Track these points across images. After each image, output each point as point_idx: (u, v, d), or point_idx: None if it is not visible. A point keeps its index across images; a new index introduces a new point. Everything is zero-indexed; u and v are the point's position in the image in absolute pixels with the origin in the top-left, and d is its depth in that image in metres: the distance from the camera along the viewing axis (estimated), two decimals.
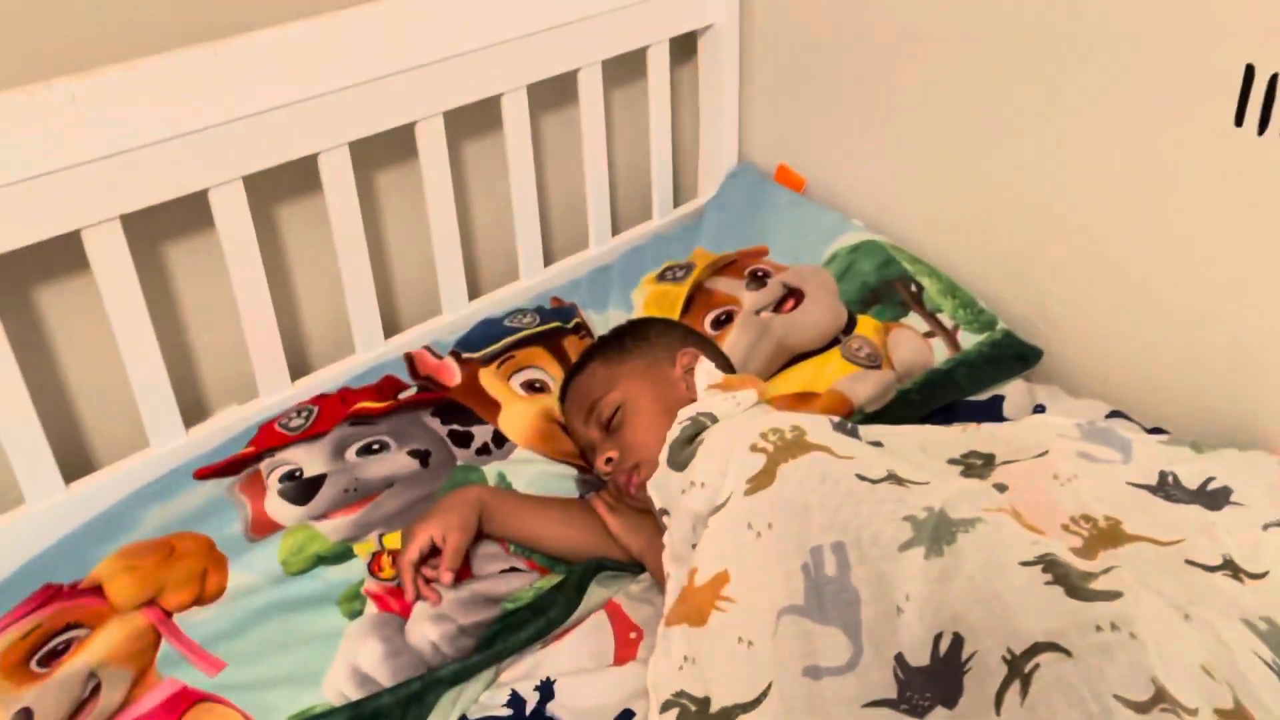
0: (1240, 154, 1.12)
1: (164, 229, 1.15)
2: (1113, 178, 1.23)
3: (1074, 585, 0.84)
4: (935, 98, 1.35)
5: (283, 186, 1.21)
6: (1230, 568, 0.97)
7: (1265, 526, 1.01)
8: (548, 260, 1.43)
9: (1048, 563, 0.86)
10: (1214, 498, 1.06)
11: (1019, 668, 0.79)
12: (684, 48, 1.52)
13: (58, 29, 1.03)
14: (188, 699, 0.85)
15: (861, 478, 0.95)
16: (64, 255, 1.03)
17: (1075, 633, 0.79)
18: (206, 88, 1.03)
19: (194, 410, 1.21)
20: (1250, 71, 1.09)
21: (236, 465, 1.07)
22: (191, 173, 1.04)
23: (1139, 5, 1.13)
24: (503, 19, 1.22)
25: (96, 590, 0.94)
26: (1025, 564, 0.86)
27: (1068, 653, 0.78)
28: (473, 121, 1.33)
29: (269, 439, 1.10)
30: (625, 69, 1.45)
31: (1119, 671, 0.76)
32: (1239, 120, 1.11)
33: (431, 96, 1.20)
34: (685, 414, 1.02)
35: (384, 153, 1.27)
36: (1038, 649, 0.79)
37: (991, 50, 1.27)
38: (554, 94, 1.40)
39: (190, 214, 1.10)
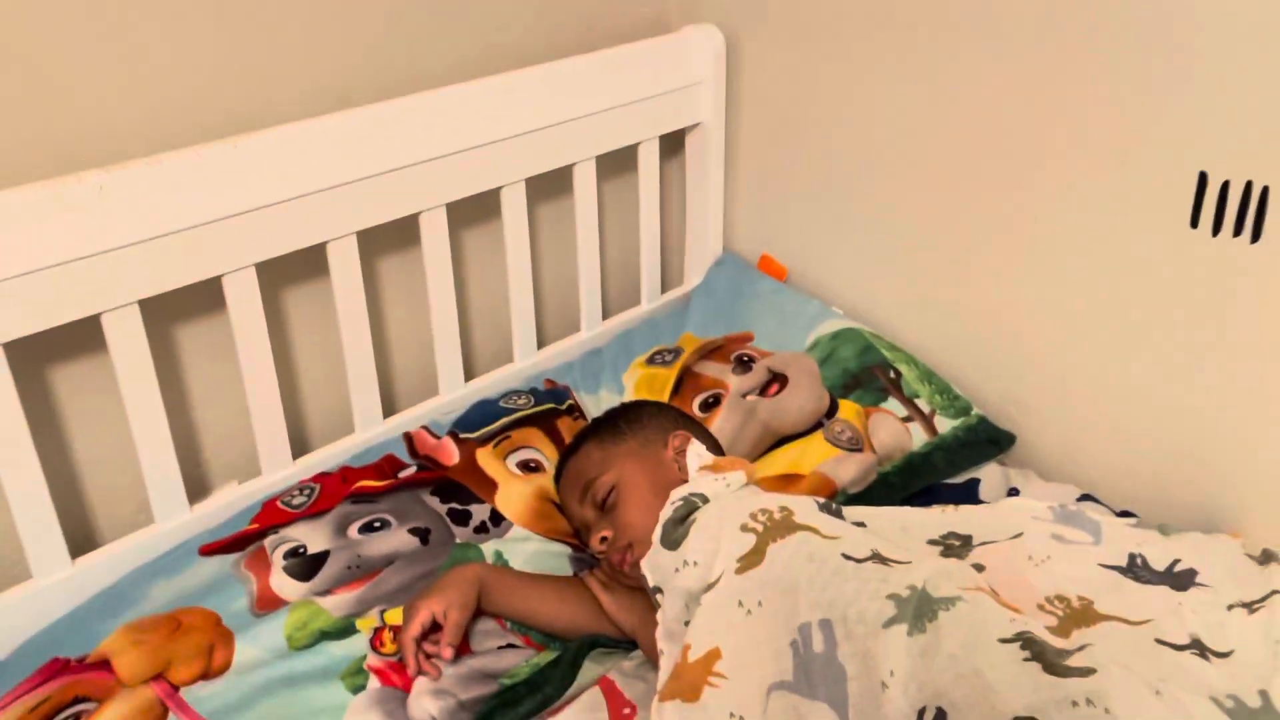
0: (1197, 254, 1.20)
1: (175, 311, 1.19)
2: (1081, 274, 1.30)
3: (1050, 662, 0.88)
4: (913, 193, 1.43)
5: (290, 271, 1.26)
6: (1197, 647, 1.02)
7: (1229, 607, 1.06)
8: (541, 343, 1.48)
9: (1025, 640, 0.91)
10: (1180, 579, 1.11)
11: None
12: (673, 144, 1.60)
13: (87, 123, 1.09)
14: None
15: (847, 557, 0.99)
16: (78, 336, 1.07)
17: (1053, 708, 0.83)
18: (224, 180, 1.08)
19: (197, 487, 1.24)
20: (1204, 178, 1.17)
21: (241, 542, 1.10)
22: (208, 260, 1.09)
23: (1100, 117, 1.22)
24: (504, 118, 1.29)
25: (104, 664, 0.96)
26: (1004, 641, 0.91)
27: None
28: (473, 211, 1.39)
29: (272, 516, 1.13)
30: (617, 163, 1.53)
31: None
32: (1194, 222, 1.19)
33: (435, 189, 1.26)
34: (678, 494, 1.06)
35: (388, 240, 1.33)
36: None
37: (966, 150, 1.35)
38: (550, 185, 1.47)
39: (200, 297, 1.14)
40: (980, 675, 0.88)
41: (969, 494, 1.30)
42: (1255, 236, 1.15)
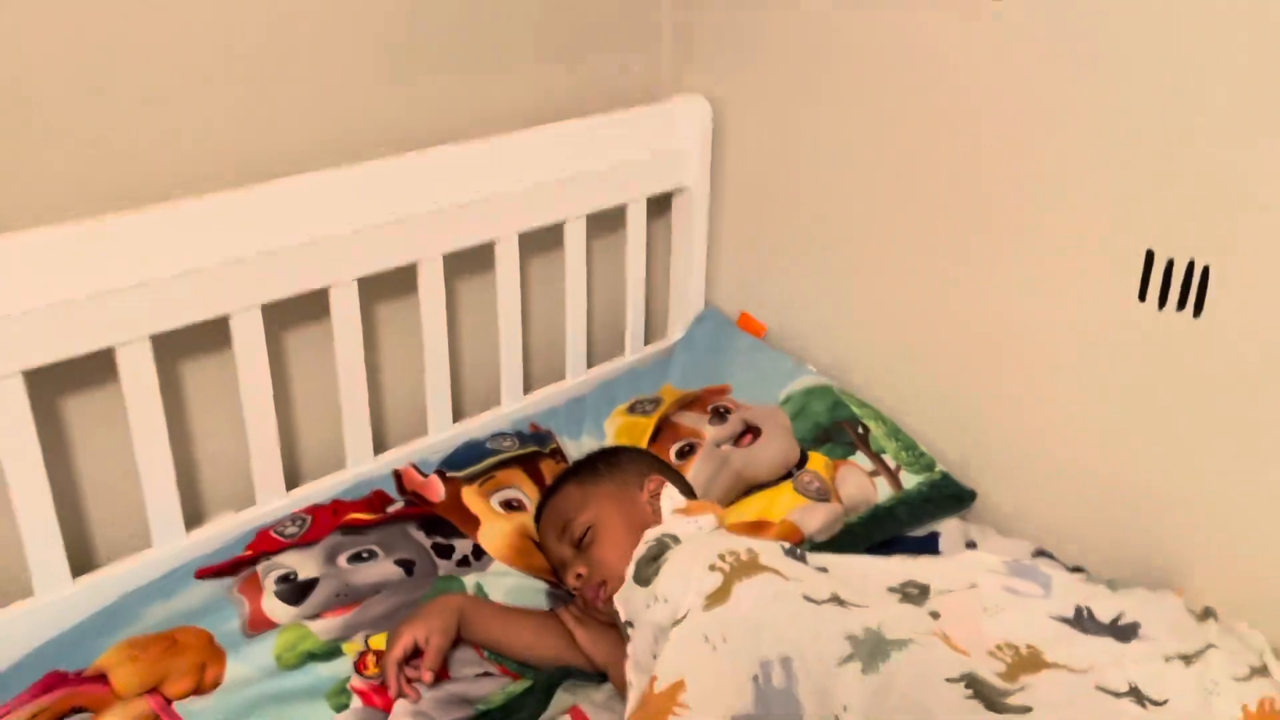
0: (1144, 327, 1.28)
1: (180, 347, 1.26)
2: (1037, 343, 1.38)
3: (992, 700, 0.94)
4: (886, 261, 1.51)
5: (292, 313, 1.33)
6: (1135, 694, 1.08)
7: (1167, 659, 1.13)
8: (527, 388, 1.55)
9: (970, 679, 0.97)
10: (1124, 632, 1.17)
11: None
12: (659, 205, 1.69)
13: (111, 172, 1.17)
14: None
15: (808, 598, 1.06)
16: (87, 367, 1.14)
17: None
18: (236, 226, 1.16)
19: (192, 515, 1.29)
20: (1150, 255, 1.26)
21: (235, 567, 1.15)
22: (217, 299, 1.16)
23: (1057, 198, 1.31)
24: (501, 176, 1.38)
25: (101, 678, 1.01)
26: (951, 680, 0.97)
27: None
28: (468, 262, 1.47)
29: (266, 544, 1.19)
30: (606, 221, 1.61)
31: None
32: (1142, 296, 1.28)
33: (434, 240, 1.34)
34: (651, 535, 1.12)
35: (386, 286, 1.40)
36: None
37: (935, 222, 1.44)
38: (542, 240, 1.55)
39: (205, 335, 1.21)
40: (928, 711, 0.95)
41: (929, 546, 1.37)
42: (1197, 311, 1.24)
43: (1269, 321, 1.19)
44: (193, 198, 1.13)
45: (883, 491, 1.41)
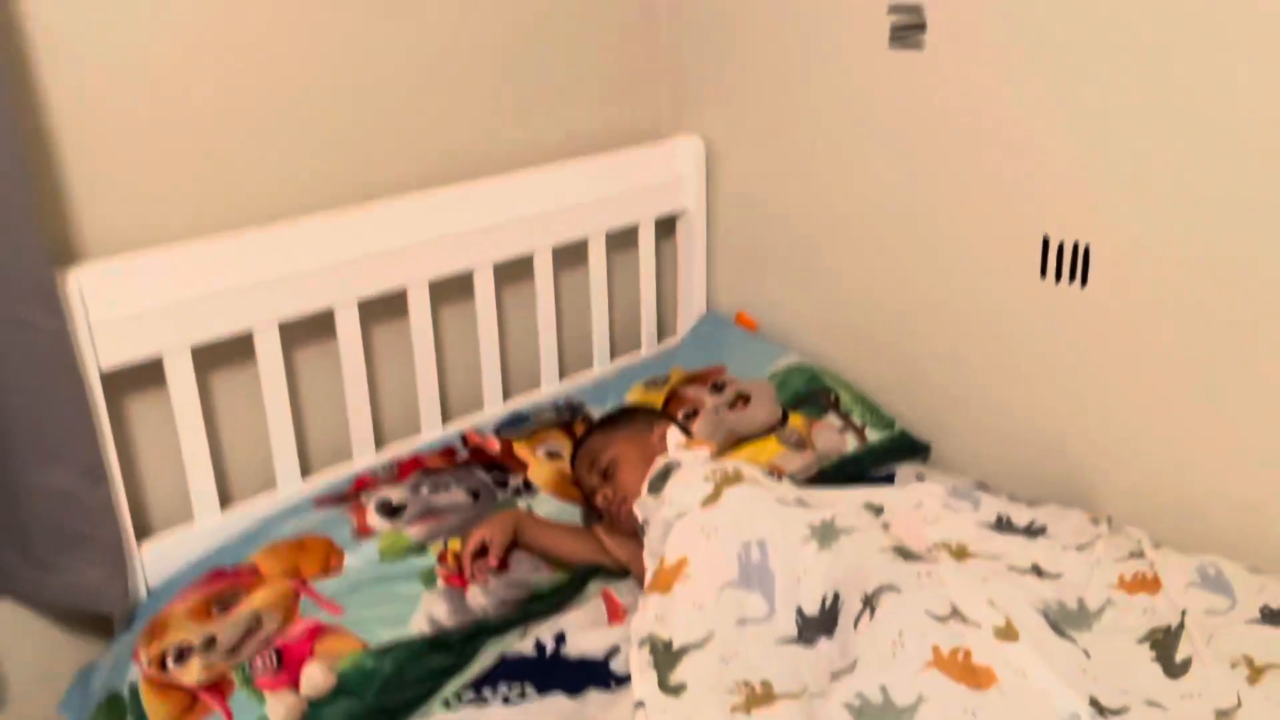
0: (1046, 298, 1.62)
1: (293, 341, 1.62)
2: (970, 319, 1.73)
3: (909, 555, 1.27)
4: (849, 264, 1.87)
5: (366, 315, 1.69)
6: (1035, 570, 1.40)
7: (1064, 548, 1.45)
8: (562, 375, 1.91)
9: (895, 548, 1.30)
10: (1033, 533, 1.50)
11: (869, 601, 1.22)
12: (666, 226, 2.05)
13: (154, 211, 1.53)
14: (321, 629, 1.27)
15: (779, 500, 1.40)
16: (231, 351, 1.50)
17: (904, 578, 1.22)
18: (260, 256, 1.46)
19: (303, 467, 1.65)
20: (1046, 240, 1.60)
21: (344, 498, 1.51)
22: (321, 296, 1.53)
23: (972, 205, 1.67)
24: (537, 201, 1.75)
25: (252, 570, 1.36)
26: (881, 549, 1.30)
27: (899, 589, 1.21)
28: (511, 273, 1.83)
29: (365, 484, 1.54)
30: (623, 241, 1.98)
31: (929, 597, 1.19)
32: (1043, 274, 1.62)
33: (486, 252, 1.71)
34: (660, 461, 1.47)
35: (449, 291, 1.77)
36: (881, 589, 1.22)
37: (894, 232, 1.80)
38: (568, 257, 1.91)
39: (313, 331, 1.58)
40: (862, 568, 1.28)
41: (887, 481, 1.70)
42: (1084, 283, 1.58)
43: (1138, 287, 1.53)
44: (224, 235, 1.44)
45: (850, 444, 1.74)
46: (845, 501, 1.52)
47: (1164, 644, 1.28)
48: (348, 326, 1.58)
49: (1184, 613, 1.31)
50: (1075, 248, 1.57)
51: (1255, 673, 1.22)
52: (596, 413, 1.78)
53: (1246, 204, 1.40)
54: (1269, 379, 1.44)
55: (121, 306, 1.34)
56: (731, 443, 1.70)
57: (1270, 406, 1.45)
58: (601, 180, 1.84)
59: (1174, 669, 1.25)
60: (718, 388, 1.82)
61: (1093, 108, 1.50)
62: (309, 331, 1.60)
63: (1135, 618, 1.33)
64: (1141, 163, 1.48)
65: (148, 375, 1.43)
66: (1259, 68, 1.35)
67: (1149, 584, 1.38)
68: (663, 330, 2.11)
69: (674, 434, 1.54)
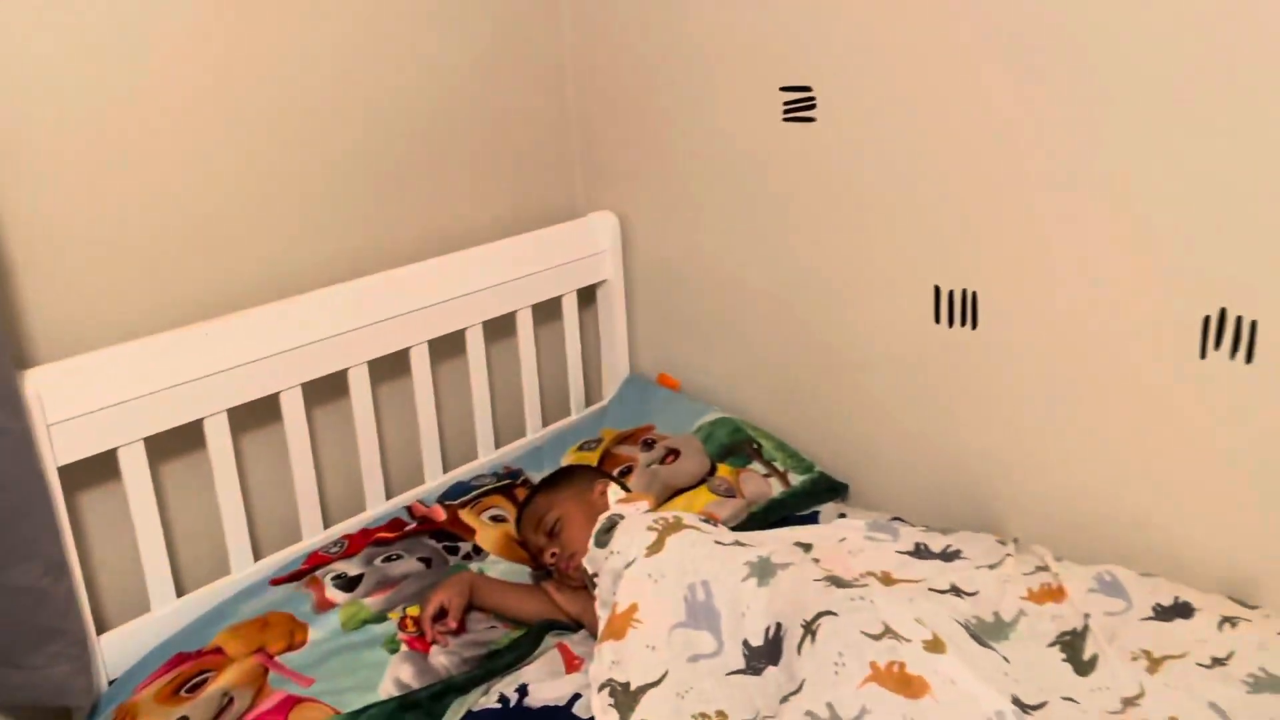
0: (942, 340, 1.78)
1: (238, 428, 1.67)
2: (876, 367, 1.87)
3: (842, 584, 1.39)
4: (761, 323, 2.01)
5: (305, 398, 1.75)
6: (954, 590, 1.53)
7: (977, 568, 1.59)
8: (498, 444, 1.99)
9: (828, 578, 1.41)
10: (949, 557, 1.63)
11: (809, 627, 1.32)
12: (589, 295, 2.17)
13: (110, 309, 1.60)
14: (293, 701, 1.31)
15: (718, 542, 1.50)
16: (180, 440, 1.55)
17: (839, 603, 1.33)
18: (206, 349, 1.52)
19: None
20: (937, 289, 1.77)
21: (299, 576, 1.55)
22: (197, 405, 1.56)
23: (869, 258, 1.82)
24: (466, 280, 1.85)
25: (217, 651, 1.40)
26: (816, 580, 1.41)
27: (835, 614, 1.32)
28: (445, 349, 1.92)
29: (318, 560, 1.59)
30: (549, 312, 2.08)
31: (863, 619, 1.30)
32: (937, 319, 1.78)
33: (421, 331, 1.79)
34: (604, 516, 1.56)
35: (386, 370, 1.84)
36: (819, 615, 1.32)
37: (797, 294, 1.94)
38: (499, 330, 2.01)
39: (254, 417, 1.64)
40: (800, 600, 1.38)
41: (811, 520, 1.82)
42: (975, 325, 1.75)
43: (1024, 328, 1.69)
44: (175, 330, 1.50)
45: (776, 489, 1.86)
46: (777, 540, 1.64)
47: (1072, 645, 1.41)
48: (293, 410, 1.64)
49: (1087, 616, 1.45)
50: (965, 295, 1.74)
51: (1154, 663, 1.37)
52: (535, 477, 1.86)
53: (1107, 247, 1.58)
54: (1145, 409, 1.61)
55: (76, 405, 1.39)
56: (667, 495, 1.80)
57: (1149, 433, 1.62)
58: (525, 258, 1.95)
59: (1083, 666, 1.38)
60: (648, 445, 1.92)
61: (973, 167, 1.67)
62: (254, 416, 1.66)
63: (1046, 624, 1.46)
64: (1017, 215, 1.65)
65: (94, 469, 1.47)
66: (1114, 122, 1.54)
67: (1055, 594, 1.52)
68: (590, 395, 2.21)
69: (615, 490, 1.64)
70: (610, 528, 1.53)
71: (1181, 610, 1.46)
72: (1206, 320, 1.51)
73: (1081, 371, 1.65)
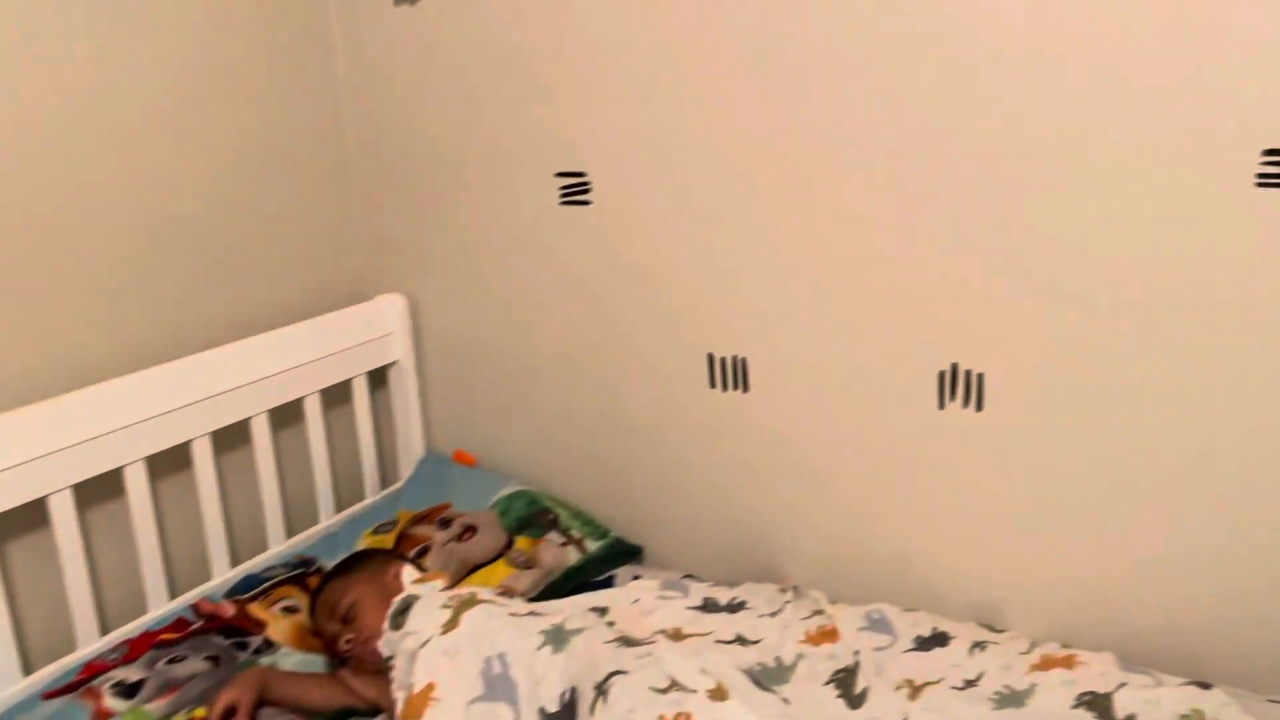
0: (715, 404, 1.90)
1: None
2: (661, 430, 1.97)
3: (631, 642, 1.45)
4: (555, 395, 2.07)
5: (92, 492, 1.69)
6: (740, 640, 1.62)
7: (760, 617, 1.68)
8: (291, 532, 1.96)
9: (619, 639, 1.47)
10: (734, 609, 1.73)
11: (601, 688, 1.37)
12: (380, 377, 2.18)
13: None
14: None
15: (513, 614, 1.53)
16: None
17: (628, 662, 1.39)
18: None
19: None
20: (711, 356, 1.89)
21: (74, 687, 1.48)
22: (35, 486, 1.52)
23: (647, 328, 1.93)
24: (248, 367, 1.83)
25: None
26: (607, 642, 1.47)
27: (625, 673, 1.38)
28: (231, 439, 1.88)
29: (95, 669, 1.52)
30: (340, 395, 2.08)
31: (651, 675, 1.36)
32: (711, 384, 1.90)
33: (203, 423, 1.76)
34: (398, 598, 1.57)
35: (166, 465, 1.79)
36: (610, 675, 1.38)
37: (580, 361, 2.02)
38: (288, 416, 1.98)
39: (22, 520, 1.56)
40: (592, 662, 1.43)
41: (607, 584, 1.88)
42: (746, 389, 1.87)
43: (792, 388, 1.83)
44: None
45: (573, 557, 1.91)
46: (573, 606, 1.68)
47: (845, 681, 1.52)
48: (63, 513, 1.57)
49: (857, 653, 1.57)
50: (736, 361, 1.86)
51: (914, 691, 1.49)
52: (329, 564, 1.84)
53: (855, 314, 1.74)
54: (898, 456, 1.77)
55: None
56: (464, 572, 1.83)
57: (903, 478, 1.77)
58: (313, 343, 1.95)
59: (855, 700, 1.49)
60: (445, 523, 1.94)
61: (737, 244, 1.81)
62: (20, 522, 1.58)
63: (822, 664, 1.57)
64: (777, 286, 1.79)
65: None
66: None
67: (829, 635, 1.63)
68: (387, 476, 2.21)
69: (409, 571, 1.64)
70: (405, 609, 1.54)
71: (939, 640, 1.60)
72: (942, 375, 1.68)
73: (842, 426, 1.80)
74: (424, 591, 1.58)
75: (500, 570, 1.83)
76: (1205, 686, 1.44)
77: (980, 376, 1.66)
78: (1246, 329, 1.46)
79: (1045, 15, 1.47)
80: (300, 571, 1.80)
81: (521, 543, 1.91)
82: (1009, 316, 1.61)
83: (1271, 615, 1.55)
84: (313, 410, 1.98)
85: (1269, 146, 1.38)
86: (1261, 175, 1.39)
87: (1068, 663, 1.51)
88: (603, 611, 1.71)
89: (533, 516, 1.98)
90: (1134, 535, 1.61)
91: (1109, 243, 1.52)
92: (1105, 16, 1.44)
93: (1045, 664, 1.51)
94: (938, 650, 1.58)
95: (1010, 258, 1.59)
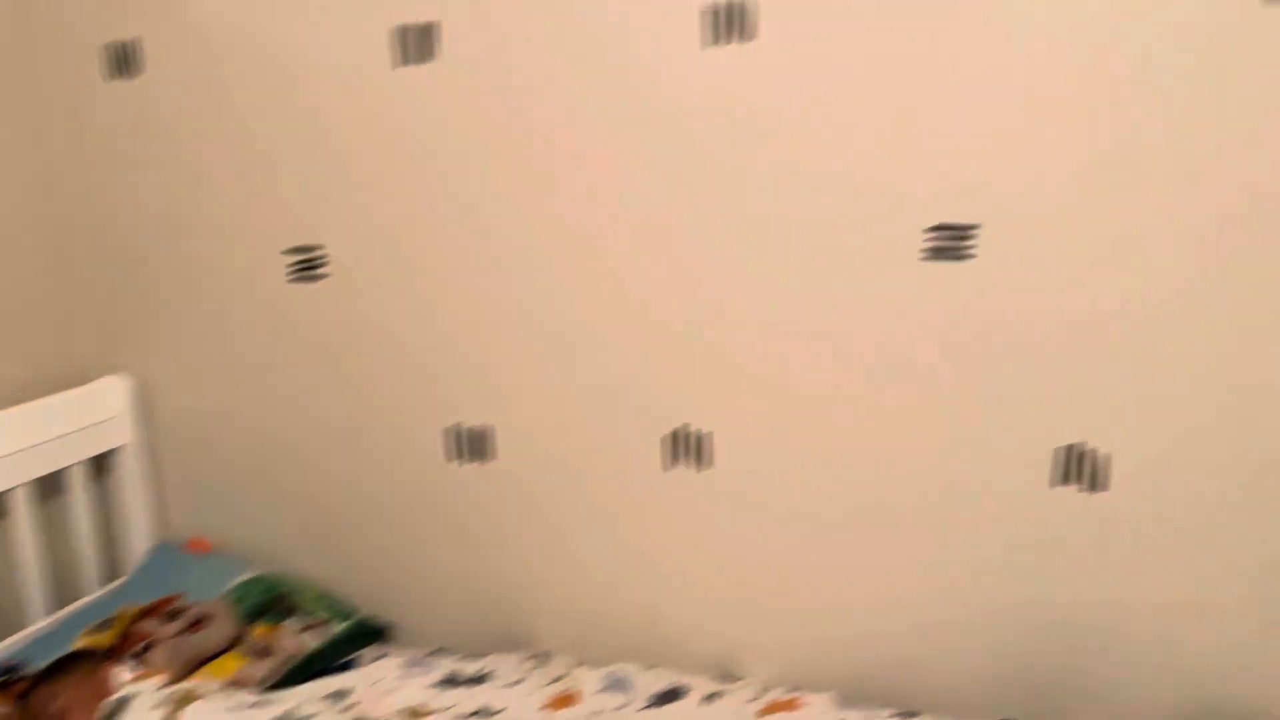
0: (460, 477, 1.90)
1: None
2: (404, 505, 1.95)
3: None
4: (298, 475, 2.01)
5: None
6: (483, 712, 1.62)
7: (504, 686, 1.69)
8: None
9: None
10: (479, 681, 1.72)
11: None
12: (106, 464, 2.05)
13: None
14: None
15: (236, 708, 1.47)
16: None
17: None
18: None
19: None
20: (456, 426, 1.90)
21: None
22: None
23: (382, 398, 1.92)
24: None
25: None
26: None
27: None
28: None
29: None
30: (59, 484, 1.94)
31: None
32: (450, 457, 1.90)
33: None
34: (109, 699, 1.47)
35: None
36: None
37: (321, 439, 1.98)
38: None
39: None
40: None
41: (349, 667, 1.84)
42: (492, 458, 1.89)
43: (535, 456, 1.86)
44: None
45: (313, 641, 1.85)
46: (308, 694, 1.64)
47: None
48: None
49: (596, 715, 1.60)
50: (482, 430, 1.88)
51: None
52: (39, 669, 1.70)
53: (587, 383, 1.80)
54: (636, 518, 1.82)
55: None
56: (195, 665, 1.73)
57: (640, 538, 1.83)
58: (21, 431, 1.82)
59: None
60: (173, 615, 1.83)
61: (476, 316, 1.83)
62: None
63: None
64: (516, 355, 1.83)
65: None
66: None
67: (570, 699, 1.65)
68: (117, 569, 2.07)
69: (120, 670, 1.55)
70: (115, 712, 1.45)
71: (674, 695, 1.65)
72: (665, 438, 1.76)
73: (581, 491, 1.84)
74: (140, 690, 1.50)
75: (233, 661, 1.75)
76: (912, 715, 1.56)
77: (710, 435, 1.75)
78: (925, 384, 1.61)
79: (735, 111, 1.60)
80: (5, 679, 1.66)
81: (259, 630, 1.83)
82: (732, 379, 1.71)
83: (971, 647, 1.69)
84: (21, 505, 1.84)
85: (930, 224, 1.56)
86: (924, 249, 1.56)
87: (790, 706, 1.59)
88: (343, 695, 1.67)
89: (270, 603, 1.90)
90: (845, 581, 1.73)
91: (800, 317, 1.65)
92: (785, 112, 1.58)
93: (770, 709, 1.59)
94: (671, 705, 1.63)
95: (722, 330, 1.69)
